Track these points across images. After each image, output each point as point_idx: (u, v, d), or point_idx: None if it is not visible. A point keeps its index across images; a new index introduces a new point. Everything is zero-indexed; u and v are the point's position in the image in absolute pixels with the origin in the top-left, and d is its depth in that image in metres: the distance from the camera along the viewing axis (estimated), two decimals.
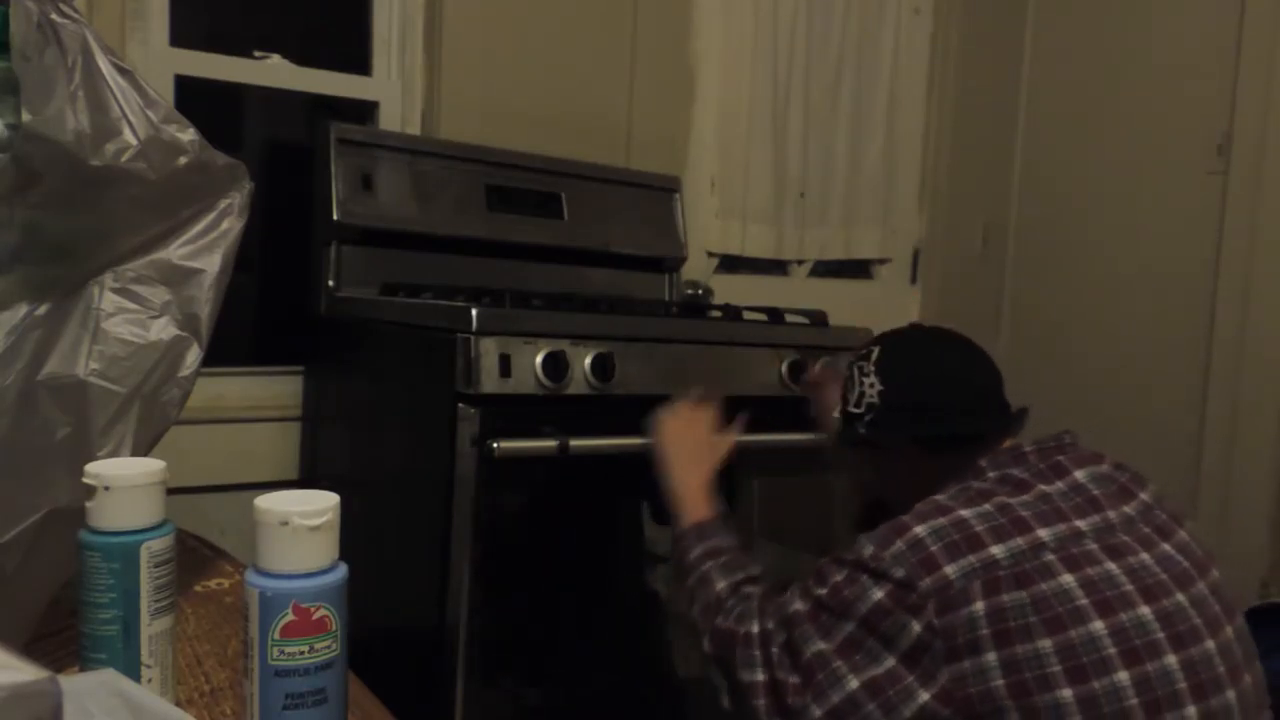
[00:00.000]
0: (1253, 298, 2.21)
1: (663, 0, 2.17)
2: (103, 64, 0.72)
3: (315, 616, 0.55)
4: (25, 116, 0.67)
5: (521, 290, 1.66)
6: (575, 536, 1.43)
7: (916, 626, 0.88)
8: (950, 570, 0.88)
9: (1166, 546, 0.95)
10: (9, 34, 0.67)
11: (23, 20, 0.67)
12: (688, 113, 2.26)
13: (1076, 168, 2.60)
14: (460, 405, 1.30)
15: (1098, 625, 0.86)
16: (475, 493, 1.30)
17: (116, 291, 0.77)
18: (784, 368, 1.58)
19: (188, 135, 0.77)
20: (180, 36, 1.76)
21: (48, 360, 0.72)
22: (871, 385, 1.09)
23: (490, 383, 1.29)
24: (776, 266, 2.46)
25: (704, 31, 2.25)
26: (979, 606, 0.87)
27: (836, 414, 1.16)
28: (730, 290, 2.24)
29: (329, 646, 0.56)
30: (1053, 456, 1.01)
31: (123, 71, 0.73)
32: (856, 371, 1.12)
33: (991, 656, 0.86)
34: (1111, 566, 0.90)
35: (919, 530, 0.92)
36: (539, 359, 1.32)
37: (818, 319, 1.73)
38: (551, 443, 1.30)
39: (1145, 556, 0.92)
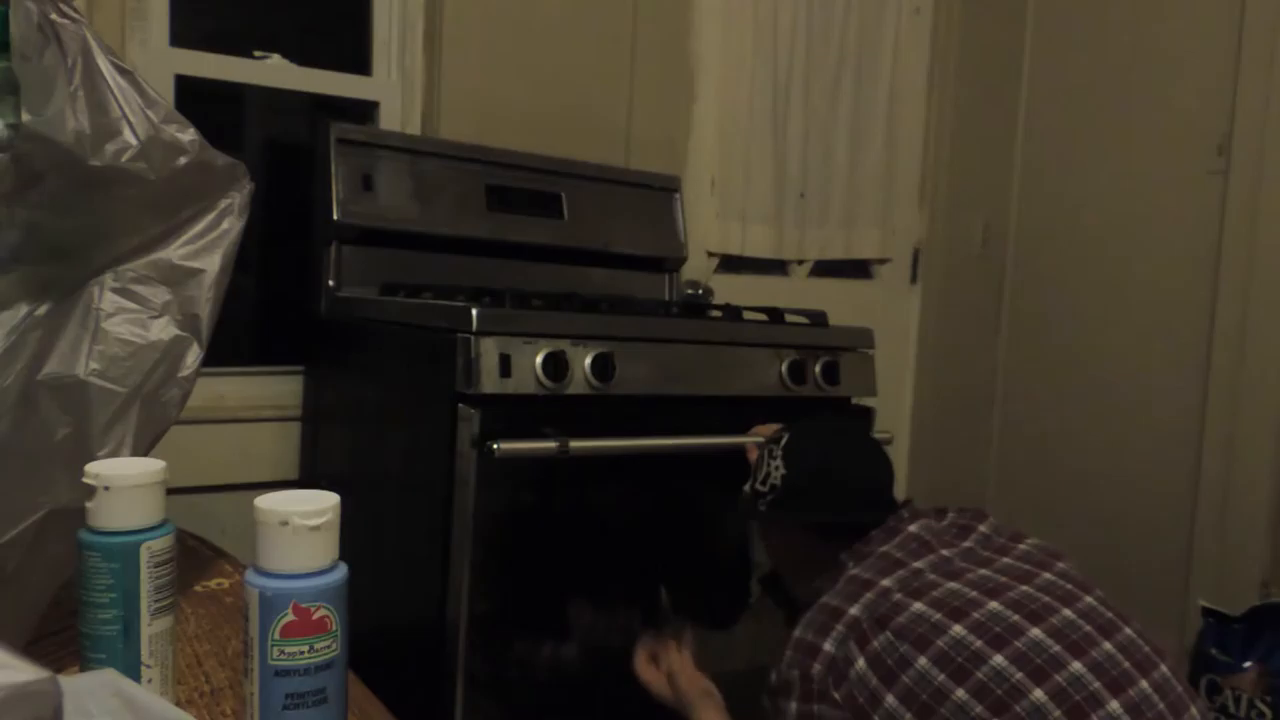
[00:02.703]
0: (1253, 298, 2.21)
1: (662, 0, 2.17)
2: (103, 64, 0.72)
3: (315, 616, 0.55)
4: (25, 116, 0.67)
5: (521, 290, 1.66)
6: (575, 537, 1.43)
7: (829, 712, 0.98)
8: (828, 646, 1.00)
9: (1006, 559, 1.05)
10: (9, 34, 0.67)
11: (23, 20, 0.67)
12: (687, 113, 2.26)
13: (1076, 167, 2.59)
14: (460, 405, 1.30)
15: (957, 629, 0.96)
16: (475, 493, 1.30)
17: (116, 291, 0.77)
18: (784, 368, 1.58)
19: (188, 135, 0.77)
20: (180, 36, 1.76)
21: (48, 360, 0.72)
22: (777, 468, 1.20)
23: (490, 383, 1.29)
24: (776, 266, 2.46)
25: (704, 31, 2.25)
26: (860, 664, 0.97)
27: (746, 488, 1.25)
28: (730, 290, 2.24)
29: (329, 646, 0.56)
30: (890, 524, 1.12)
31: (123, 71, 0.73)
32: (766, 453, 1.23)
33: (891, 699, 0.95)
34: (953, 584, 1.00)
35: (797, 632, 1.04)
36: (539, 359, 1.32)
37: (818, 319, 1.73)
38: (551, 444, 1.30)
39: (983, 571, 1.03)
